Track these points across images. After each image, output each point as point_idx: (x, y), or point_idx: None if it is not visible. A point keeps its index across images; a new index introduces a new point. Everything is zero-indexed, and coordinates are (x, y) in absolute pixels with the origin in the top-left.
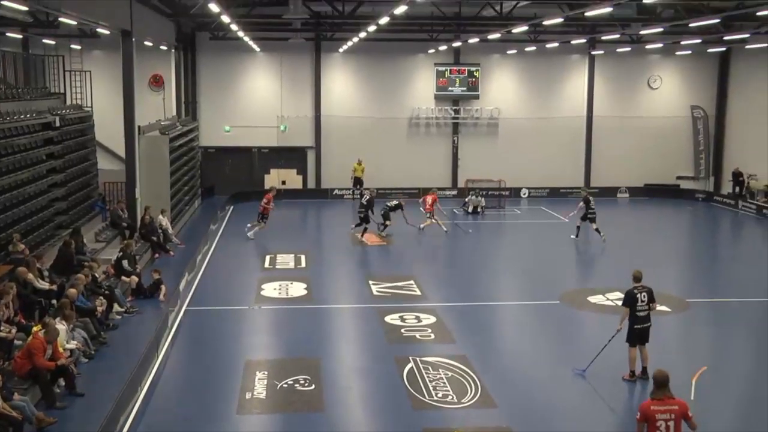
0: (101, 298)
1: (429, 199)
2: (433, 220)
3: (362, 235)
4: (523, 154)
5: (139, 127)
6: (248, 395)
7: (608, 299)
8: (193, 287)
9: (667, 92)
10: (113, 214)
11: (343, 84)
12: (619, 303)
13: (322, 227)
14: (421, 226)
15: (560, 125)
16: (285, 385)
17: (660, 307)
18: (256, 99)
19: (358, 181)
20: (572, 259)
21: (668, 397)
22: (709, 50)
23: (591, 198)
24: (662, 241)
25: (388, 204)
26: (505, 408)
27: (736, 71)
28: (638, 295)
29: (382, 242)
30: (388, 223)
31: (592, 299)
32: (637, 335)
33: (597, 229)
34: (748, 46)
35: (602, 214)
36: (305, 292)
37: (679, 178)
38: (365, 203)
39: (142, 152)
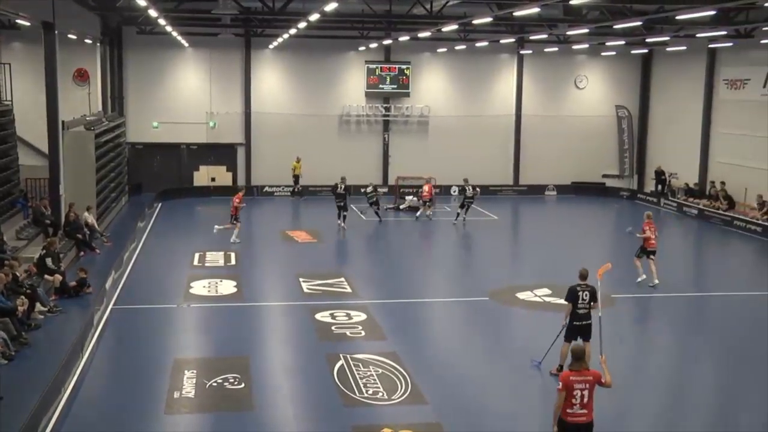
0: (22, 297)
1: (426, 187)
2: (429, 208)
3: (343, 221)
4: (454, 151)
5: (63, 122)
6: (176, 394)
7: (537, 295)
8: (120, 285)
9: (593, 92)
10: (36, 211)
11: (273, 81)
12: (548, 299)
13: (252, 224)
14: (427, 213)
15: (490, 123)
16: (214, 384)
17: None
18: (185, 95)
19: (297, 179)
20: (501, 256)
21: (585, 369)
22: (633, 51)
23: (470, 188)
24: (588, 238)
25: (367, 191)
26: (435, 404)
27: (658, 72)
28: (580, 293)
29: (312, 239)
30: (376, 208)
31: (521, 295)
32: (575, 331)
33: (459, 214)
34: (668, 49)
35: (530, 212)
36: (235, 289)
37: (604, 176)
38: (344, 192)
39: (66, 148)
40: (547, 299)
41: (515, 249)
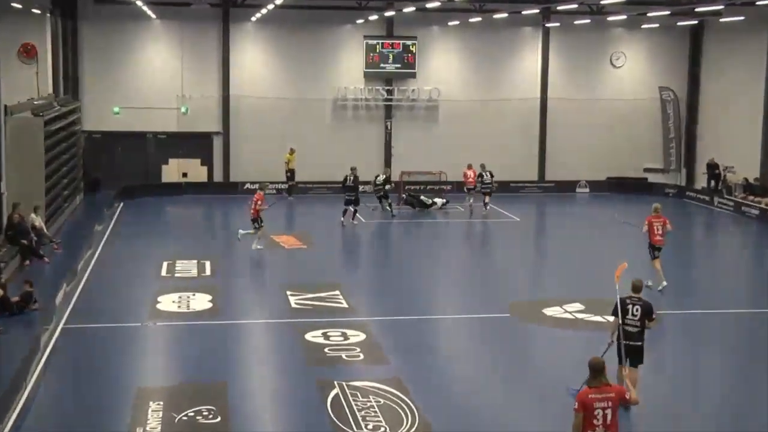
0: None
1: (470, 173)
2: (472, 197)
3: (352, 218)
4: (468, 142)
5: (5, 106)
6: (139, 431)
7: (567, 311)
8: (73, 301)
9: (633, 71)
10: None
11: (256, 59)
12: (581, 316)
13: (232, 228)
14: (470, 201)
15: (511, 109)
16: (185, 418)
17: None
18: (153, 76)
19: (290, 173)
20: (524, 264)
21: (605, 384)
22: (679, 23)
23: (488, 173)
24: (628, 244)
25: (376, 182)
26: None
27: (710, 48)
28: (630, 307)
29: (301, 245)
30: (388, 202)
31: (549, 311)
32: (624, 353)
33: (486, 203)
34: (722, 20)
35: (558, 213)
36: (210, 305)
37: (646, 170)
38: (353, 184)
39: (9, 137)
40: (580, 316)
41: (541, 256)
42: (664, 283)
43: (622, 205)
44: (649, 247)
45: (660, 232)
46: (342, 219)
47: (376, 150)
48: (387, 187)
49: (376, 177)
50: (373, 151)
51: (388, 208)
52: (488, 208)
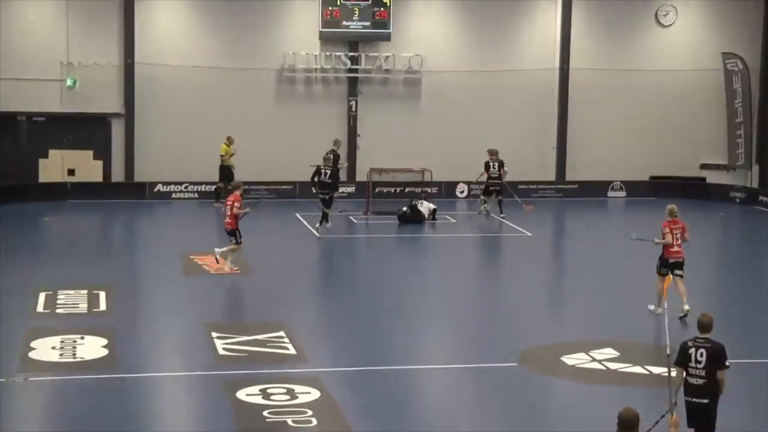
0: None
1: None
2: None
3: (322, 223)
4: (460, 128)
5: None
6: None
7: (595, 359)
8: None
9: (685, 32)
10: None
11: (172, 16)
12: (614, 366)
13: (137, 246)
14: (485, 206)
15: (518, 85)
16: None
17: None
18: (25, 36)
19: (226, 173)
20: (537, 296)
21: None
22: None
23: (495, 162)
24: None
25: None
26: None
27: None
28: (692, 351)
29: (233, 268)
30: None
31: (570, 360)
32: (688, 412)
33: (500, 202)
34: None
35: (584, 224)
36: (105, 351)
37: (704, 167)
38: (329, 180)
39: None
40: (613, 366)
41: (560, 285)
42: (665, 306)
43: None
44: (661, 262)
45: (678, 241)
46: (317, 226)
47: (336, 138)
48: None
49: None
50: (331, 140)
51: (323, 223)
52: (502, 216)
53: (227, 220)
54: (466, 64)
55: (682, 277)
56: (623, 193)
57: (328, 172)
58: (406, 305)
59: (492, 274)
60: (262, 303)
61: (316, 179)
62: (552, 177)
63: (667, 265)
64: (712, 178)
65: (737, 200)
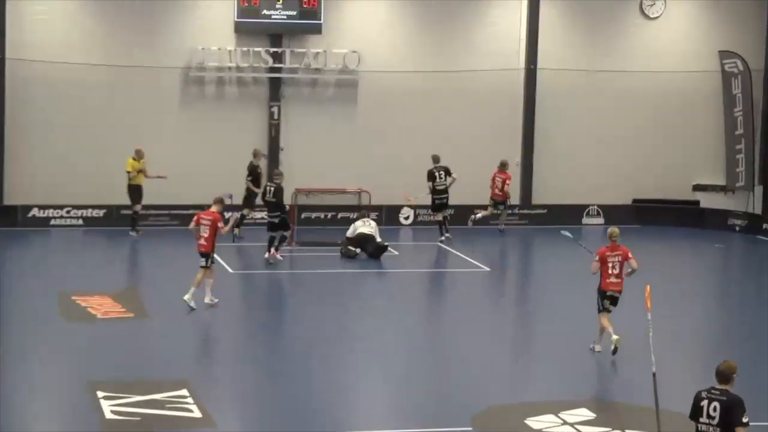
0: None
1: (500, 179)
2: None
3: (272, 252)
4: (405, 141)
5: None
6: None
7: (566, 422)
8: None
9: (676, 27)
10: None
11: (54, 2)
12: (587, 430)
13: (5, 285)
14: (501, 227)
15: (476, 88)
16: None
17: None
18: None
19: (135, 194)
20: (496, 346)
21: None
22: None
23: (439, 171)
24: (664, 309)
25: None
26: None
27: None
28: (703, 404)
29: (124, 311)
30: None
31: (536, 422)
32: None
33: (443, 223)
34: None
35: (553, 256)
36: None
37: (697, 189)
38: (274, 198)
39: None
40: (587, 430)
41: (524, 332)
42: (602, 345)
43: (655, 244)
44: (599, 295)
45: (617, 272)
46: (267, 255)
47: (256, 149)
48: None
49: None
50: (248, 153)
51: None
52: (446, 236)
53: (203, 242)
54: (413, 64)
55: (610, 312)
56: (601, 220)
57: (272, 188)
58: (338, 356)
59: (443, 319)
60: (161, 354)
61: (264, 199)
62: (516, 199)
63: (605, 297)
64: (707, 201)
65: (737, 228)
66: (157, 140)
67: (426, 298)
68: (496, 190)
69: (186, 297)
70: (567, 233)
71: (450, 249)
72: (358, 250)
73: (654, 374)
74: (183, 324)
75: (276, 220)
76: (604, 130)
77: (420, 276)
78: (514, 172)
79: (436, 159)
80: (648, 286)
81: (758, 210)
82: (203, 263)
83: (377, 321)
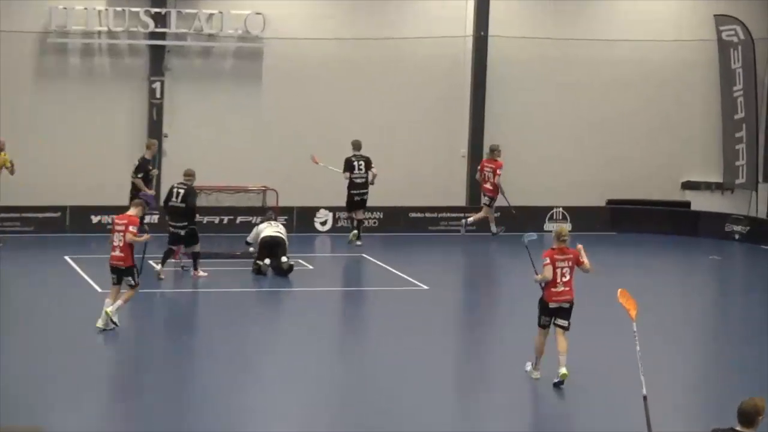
0: None
1: (489, 169)
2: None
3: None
4: (323, 127)
5: None
6: None
7: None
8: None
9: None
10: None
11: None
12: None
13: None
14: (495, 230)
15: (412, 60)
16: None
17: None
18: None
19: None
20: (434, 382)
21: None
22: None
23: (359, 160)
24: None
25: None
26: None
27: None
28: None
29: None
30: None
31: None
32: None
33: (359, 223)
34: None
35: (505, 269)
36: None
37: (687, 187)
38: (182, 204)
39: None
40: None
41: (469, 367)
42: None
43: (633, 256)
44: (541, 308)
45: (566, 279)
46: (159, 268)
47: (128, 141)
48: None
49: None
50: (124, 142)
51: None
52: (357, 242)
53: (119, 253)
54: (332, 29)
55: (565, 329)
56: (568, 226)
57: (182, 191)
58: (236, 402)
59: (368, 354)
60: (10, 400)
61: (166, 205)
62: (462, 201)
63: (547, 311)
64: (700, 202)
65: (736, 236)
66: (5, 126)
67: (347, 324)
68: (487, 185)
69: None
70: (532, 235)
71: (378, 261)
72: (267, 262)
73: (645, 397)
74: (36, 361)
75: (182, 232)
76: (572, 114)
77: (342, 296)
78: (459, 165)
79: (356, 145)
80: (621, 290)
81: (763, 213)
82: (130, 282)
83: (281, 352)
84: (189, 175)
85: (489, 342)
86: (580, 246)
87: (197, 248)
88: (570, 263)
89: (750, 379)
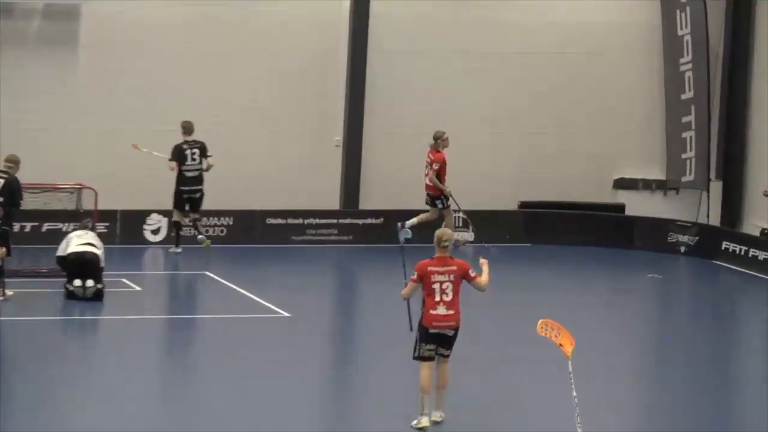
0: None
1: (427, 161)
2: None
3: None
4: (159, 108)
5: None
6: None
7: None
8: None
9: None
10: None
11: None
12: None
13: None
14: (461, 241)
15: (274, 23)
16: None
17: None
18: None
19: None
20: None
21: None
22: None
23: (192, 148)
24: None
25: None
26: None
27: None
28: None
29: None
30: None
31: None
32: None
33: (195, 224)
34: None
35: (386, 288)
36: None
37: (621, 185)
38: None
39: None
40: None
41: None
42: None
43: (550, 273)
44: (420, 334)
45: (449, 298)
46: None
47: None
48: None
49: None
50: None
51: None
52: (177, 249)
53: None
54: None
55: (447, 358)
56: (468, 235)
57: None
58: None
59: (201, 402)
60: None
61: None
62: (335, 203)
63: (429, 337)
64: (637, 205)
65: (681, 248)
66: None
67: (172, 366)
68: (427, 180)
69: None
70: (407, 231)
71: (225, 281)
72: (77, 283)
73: None
74: None
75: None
76: (476, 93)
77: (169, 327)
78: (332, 156)
79: (187, 128)
80: (543, 321)
81: (715, 219)
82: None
83: (95, 402)
84: (11, 161)
85: (362, 386)
86: (483, 260)
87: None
88: (453, 277)
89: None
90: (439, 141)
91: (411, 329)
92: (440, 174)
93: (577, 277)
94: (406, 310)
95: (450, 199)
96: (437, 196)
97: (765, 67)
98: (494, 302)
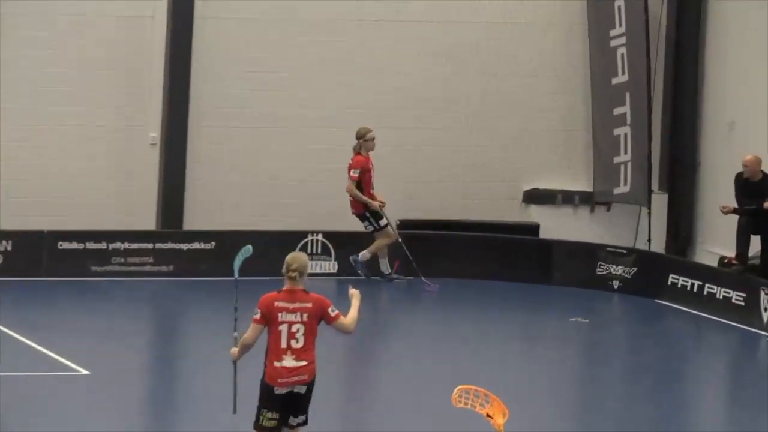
0: None
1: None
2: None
3: None
4: None
5: None
6: None
7: None
8: None
9: None
10: None
11: None
12: None
13: None
14: (389, 273)
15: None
16: None
17: None
18: None
19: None
20: None
21: None
22: None
23: None
24: None
25: None
26: None
27: None
28: None
29: None
30: None
31: None
32: None
33: None
34: None
35: (217, 333)
36: None
37: (533, 199)
38: None
39: None
40: None
41: None
42: None
43: (438, 317)
44: (264, 395)
45: (299, 345)
46: None
47: None
48: None
49: None
50: None
51: None
52: None
53: None
54: None
55: (303, 424)
56: (331, 263)
57: None
58: None
59: None
60: None
61: None
62: (151, 222)
63: (273, 401)
64: (554, 225)
65: (614, 283)
66: None
67: None
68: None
69: None
70: (248, 249)
71: (3, 327)
72: None
73: None
74: None
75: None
76: (344, 85)
77: None
78: (146, 158)
79: None
80: (460, 388)
81: (659, 245)
82: None
83: None
84: None
85: None
86: (353, 291)
87: None
88: (307, 317)
89: None
90: (360, 141)
91: (234, 411)
92: (362, 183)
93: (476, 318)
94: (232, 378)
95: (383, 217)
96: (361, 213)
97: (723, 42)
98: (368, 354)
